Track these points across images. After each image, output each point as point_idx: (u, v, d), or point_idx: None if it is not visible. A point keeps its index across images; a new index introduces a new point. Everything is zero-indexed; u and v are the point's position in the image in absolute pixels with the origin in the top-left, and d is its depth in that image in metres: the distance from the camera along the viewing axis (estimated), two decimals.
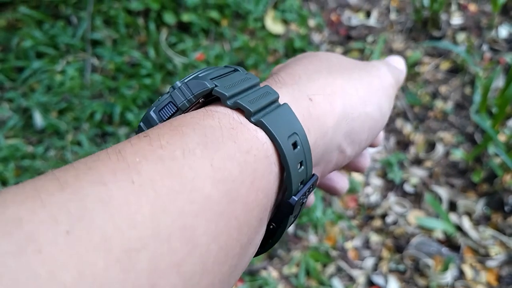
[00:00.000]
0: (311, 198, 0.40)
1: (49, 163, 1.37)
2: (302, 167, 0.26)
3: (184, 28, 1.62)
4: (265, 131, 0.25)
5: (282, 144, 0.25)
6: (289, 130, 0.26)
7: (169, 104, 0.27)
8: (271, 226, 0.27)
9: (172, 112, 0.26)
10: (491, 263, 1.08)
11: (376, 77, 0.34)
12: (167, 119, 0.26)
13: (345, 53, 1.54)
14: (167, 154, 0.21)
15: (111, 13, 1.60)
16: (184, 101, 0.26)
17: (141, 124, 0.27)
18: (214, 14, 1.61)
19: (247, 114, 0.25)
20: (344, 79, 0.32)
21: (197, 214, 0.19)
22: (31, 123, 1.45)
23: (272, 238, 0.28)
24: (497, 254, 1.09)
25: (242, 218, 0.22)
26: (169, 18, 1.59)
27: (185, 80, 0.27)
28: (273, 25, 1.61)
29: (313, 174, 0.28)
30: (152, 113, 0.27)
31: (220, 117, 0.24)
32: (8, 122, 1.45)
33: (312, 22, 1.62)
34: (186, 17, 1.58)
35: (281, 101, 0.27)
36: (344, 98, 0.31)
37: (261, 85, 0.29)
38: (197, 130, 0.23)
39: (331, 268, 1.13)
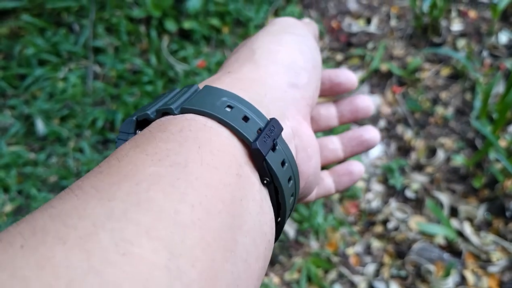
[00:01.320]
0: (312, 194, 0.40)
1: (51, 170, 1.38)
2: (249, 119, 0.26)
3: (185, 35, 1.63)
4: (191, 112, 0.25)
5: (211, 110, 0.25)
6: (215, 99, 0.26)
7: None
8: (265, 181, 0.26)
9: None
10: (492, 269, 1.08)
11: (299, 39, 0.36)
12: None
13: (346, 59, 1.55)
14: (102, 168, 0.22)
15: (113, 21, 1.61)
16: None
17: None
18: (215, 21, 1.62)
19: (171, 112, 0.26)
20: (247, 42, 0.35)
21: (147, 190, 0.19)
22: (33, 130, 1.45)
23: (280, 223, 0.28)
24: (498, 260, 1.09)
25: (206, 177, 0.21)
26: (171, 25, 1.60)
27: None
28: None
29: (271, 119, 0.27)
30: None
31: (149, 127, 0.25)
32: (10, 129, 1.45)
33: None
34: (187, 25, 1.59)
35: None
36: (253, 51, 0.33)
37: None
38: (128, 143, 0.24)
39: (332, 274, 1.13)
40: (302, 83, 0.32)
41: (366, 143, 0.41)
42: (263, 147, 0.25)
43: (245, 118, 0.26)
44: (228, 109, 0.25)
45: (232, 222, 0.21)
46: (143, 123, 0.27)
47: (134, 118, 0.27)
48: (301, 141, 0.31)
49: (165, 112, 0.26)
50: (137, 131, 0.27)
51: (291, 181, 0.27)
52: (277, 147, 0.26)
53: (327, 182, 0.41)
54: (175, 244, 0.18)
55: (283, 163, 0.26)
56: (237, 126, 0.25)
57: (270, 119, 0.27)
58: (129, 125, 0.27)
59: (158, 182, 0.19)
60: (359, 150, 0.41)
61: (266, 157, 0.25)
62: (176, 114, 0.25)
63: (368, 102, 0.42)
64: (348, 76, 0.41)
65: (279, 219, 0.28)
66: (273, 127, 0.26)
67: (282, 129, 0.27)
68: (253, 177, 0.25)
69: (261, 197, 0.24)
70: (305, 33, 0.37)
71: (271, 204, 0.26)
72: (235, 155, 0.24)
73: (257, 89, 0.29)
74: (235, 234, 0.21)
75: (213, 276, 0.19)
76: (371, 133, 0.41)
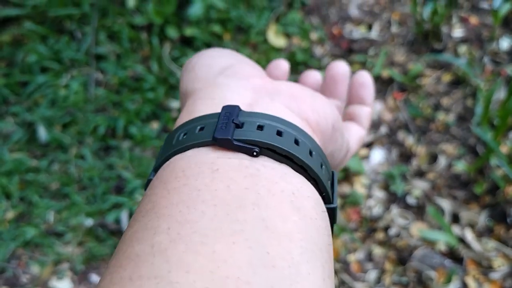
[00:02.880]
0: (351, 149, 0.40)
1: (53, 177, 1.38)
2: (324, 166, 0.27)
3: (187, 42, 1.64)
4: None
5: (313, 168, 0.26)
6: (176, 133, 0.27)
7: None
8: None
9: None
10: (494, 275, 1.07)
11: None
12: None
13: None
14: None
15: (115, 28, 1.61)
16: None
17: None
18: (216, 28, 1.62)
19: (161, 164, 0.27)
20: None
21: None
22: (35, 137, 1.46)
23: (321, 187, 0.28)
24: (500, 266, 1.08)
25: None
26: (172, 32, 1.60)
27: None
28: (275, 39, 1.62)
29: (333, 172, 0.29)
30: None
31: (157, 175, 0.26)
32: (12, 136, 1.46)
33: (314, 36, 1.63)
34: (189, 31, 1.60)
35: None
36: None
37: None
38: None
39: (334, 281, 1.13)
40: (224, 66, 0.33)
41: (339, 80, 0.42)
42: (222, 134, 0.25)
43: (201, 129, 0.26)
44: (184, 137, 0.27)
45: (225, 209, 0.21)
46: None
47: (151, 178, 0.27)
48: (314, 122, 0.30)
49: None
50: None
51: (284, 134, 0.26)
52: (245, 122, 0.26)
53: (354, 129, 0.41)
54: None
55: (261, 127, 0.26)
56: (193, 141, 0.26)
57: (222, 108, 0.27)
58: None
59: (134, 237, 0.22)
60: (339, 91, 0.42)
61: (233, 137, 0.25)
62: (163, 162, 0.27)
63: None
64: (341, 68, 0.42)
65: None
66: (227, 113, 0.26)
67: (237, 106, 0.27)
68: (235, 160, 0.25)
69: (256, 167, 0.24)
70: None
71: (276, 165, 0.25)
72: (202, 162, 0.25)
73: (206, 101, 0.30)
74: (236, 215, 0.21)
75: None
76: (338, 68, 0.42)
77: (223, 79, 0.31)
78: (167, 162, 0.26)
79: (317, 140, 0.29)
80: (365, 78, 0.41)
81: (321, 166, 0.27)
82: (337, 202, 0.27)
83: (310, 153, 0.26)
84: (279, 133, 0.26)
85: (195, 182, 0.23)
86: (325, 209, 0.25)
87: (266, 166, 0.24)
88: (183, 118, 0.29)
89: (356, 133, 0.40)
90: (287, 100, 0.29)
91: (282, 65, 0.42)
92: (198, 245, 0.19)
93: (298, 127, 0.27)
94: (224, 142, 0.25)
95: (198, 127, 0.26)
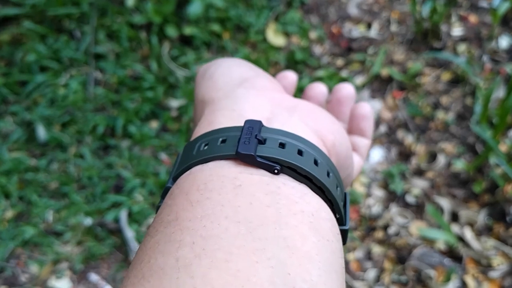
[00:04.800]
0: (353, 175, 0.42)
1: (52, 176, 1.38)
2: (338, 188, 0.27)
3: (186, 41, 1.64)
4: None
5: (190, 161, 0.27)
6: (193, 144, 0.28)
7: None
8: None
9: None
10: (493, 274, 1.07)
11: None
12: None
13: (346, 65, 1.55)
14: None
15: (114, 27, 1.61)
16: None
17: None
18: (216, 27, 1.62)
19: (177, 177, 0.27)
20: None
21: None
22: (35, 137, 1.46)
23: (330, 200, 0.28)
24: (499, 265, 1.08)
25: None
26: (171, 31, 1.60)
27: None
28: (275, 38, 1.62)
29: (245, 123, 0.28)
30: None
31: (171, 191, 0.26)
32: (11, 136, 1.46)
33: (313, 35, 1.63)
34: (188, 31, 1.60)
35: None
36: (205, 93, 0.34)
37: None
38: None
39: None
40: (247, 76, 0.34)
41: (344, 102, 0.42)
42: (245, 149, 0.25)
43: (223, 141, 0.27)
44: (205, 147, 0.27)
45: (247, 226, 0.22)
46: None
47: (169, 185, 0.27)
48: (330, 144, 0.30)
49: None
50: None
51: (304, 153, 0.27)
52: (268, 138, 0.26)
53: (356, 159, 0.41)
54: None
55: (283, 145, 0.26)
56: (215, 153, 0.26)
57: (244, 122, 0.27)
58: (165, 194, 0.28)
59: (157, 249, 0.22)
60: (342, 112, 0.42)
61: (257, 154, 0.25)
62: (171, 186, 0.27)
63: (367, 109, 0.42)
64: (346, 90, 0.42)
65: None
66: (250, 128, 0.27)
67: (260, 122, 0.27)
68: (257, 176, 0.25)
69: (277, 185, 0.24)
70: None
71: (296, 184, 0.25)
72: (225, 175, 0.25)
73: (227, 112, 0.30)
74: (257, 233, 0.21)
75: None
76: (344, 90, 0.42)
77: (242, 91, 0.31)
78: (188, 172, 0.26)
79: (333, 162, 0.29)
80: (367, 110, 0.41)
81: (337, 187, 0.28)
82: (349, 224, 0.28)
83: (328, 174, 0.27)
84: (300, 152, 0.26)
85: (218, 196, 0.23)
86: (339, 231, 0.26)
87: (286, 184, 0.25)
88: (203, 128, 0.29)
89: (357, 163, 0.41)
90: (305, 117, 0.30)
91: (290, 76, 0.42)
92: (222, 262, 0.19)
93: (317, 147, 0.27)
94: (247, 157, 0.25)
95: (220, 139, 0.26)
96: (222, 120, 0.29)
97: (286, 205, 0.23)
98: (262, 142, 0.26)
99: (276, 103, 0.30)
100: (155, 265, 0.20)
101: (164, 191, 0.27)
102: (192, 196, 0.23)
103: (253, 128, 0.26)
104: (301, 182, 0.25)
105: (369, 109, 0.42)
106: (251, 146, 0.25)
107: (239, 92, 0.31)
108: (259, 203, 0.23)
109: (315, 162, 0.26)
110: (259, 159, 0.25)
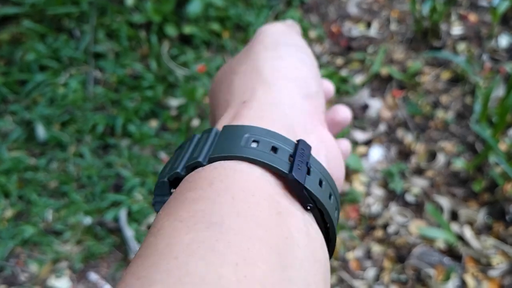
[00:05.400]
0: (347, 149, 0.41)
1: (52, 175, 1.38)
2: (278, 149, 0.26)
3: (185, 40, 1.64)
4: (219, 159, 0.25)
5: (238, 152, 0.25)
6: (239, 139, 0.26)
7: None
8: (309, 207, 0.26)
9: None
10: (493, 273, 1.07)
11: (296, 48, 0.36)
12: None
13: (346, 64, 1.55)
14: (141, 250, 0.21)
15: (114, 26, 1.61)
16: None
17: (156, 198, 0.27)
18: (215, 26, 1.62)
19: (199, 165, 0.25)
20: (241, 58, 0.35)
21: (186, 263, 0.19)
22: (34, 136, 1.46)
23: (331, 239, 0.28)
24: (499, 264, 1.08)
25: (244, 226, 0.21)
26: (171, 30, 1.60)
27: (157, 182, 0.27)
28: None
29: (298, 142, 0.28)
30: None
31: (180, 186, 0.25)
32: (11, 135, 1.46)
33: (312, 34, 1.63)
34: (187, 30, 1.60)
35: (221, 126, 0.28)
36: (258, 72, 0.32)
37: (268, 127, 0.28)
38: (162, 212, 0.24)
39: (332, 279, 1.13)
40: (313, 91, 0.33)
41: (339, 124, 0.41)
42: (299, 176, 0.25)
43: (274, 149, 0.26)
44: (254, 145, 0.25)
45: (282, 263, 0.21)
46: (175, 182, 0.27)
47: (166, 180, 0.27)
48: (327, 149, 0.31)
49: (195, 166, 0.26)
50: (172, 190, 0.27)
51: (332, 197, 0.27)
52: (311, 169, 0.26)
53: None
54: None
55: (320, 183, 0.26)
56: (267, 161, 0.25)
57: (297, 141, 0.27)
58: (162, 188, 0.27)
59: (196, 251, 0.19)
60: (333, 132, 0.41)
61: (305, 185, 0.25)
62: (202, 165, 0.25)
63: (346, 114, 0.41)
64: (345, 116, 0.41)
65: (329, 235, 0.28)
66: (302, 150, 0.26)
67: (311, 148, 0.27)
68: (293, 208, 0.24)
69: (305, 224, 0.24)
70: (297, 39, 0.37)
71: (317, 226, 0.26)
72: (271, 194, 0.24)
73: (276, 112, 0.29)
74: (288, 272, 0.20)
75: None
76: (342, 114, 0.40)
77: (302, 102, 0.31)
78: (232, 164, 0.25)
79: None
80: (347, 116, 0.41)
81: (336, 211, 0.28)
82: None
83: (336, 210, 0.27)
84: (330, 196, 0.27)
85: (261, 219, 0.22)
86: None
87: (313, 225, 0.25)
88: (254, 111, 0.29)
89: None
90: (328, 162, 0.30)
91: (342, 113, 0.41)
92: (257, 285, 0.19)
93: (337, 189, 0.28)
94: (295, 184, 0.25)
95: (271, 145, 0.26)
96: (272, 117, 0.28)
97: (313, 250, 0.23)
98: (308, 171, 0.26)
99: (318, 141, 0.30)
100: (195, 274, 0.18)
101: (193, 165, 0.26)
102: (238, 202, 0.22)
103: (304, 152, 0.26)
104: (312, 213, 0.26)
105: (349, 114, 0.41)
106: (303, 174, 0.25)
107: (299, 102, 0.31)
108: (293, 242, 0.22)
109: (330, 196, 0.27)
110: (304, 192, 0.25)
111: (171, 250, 0.19)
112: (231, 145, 0.25)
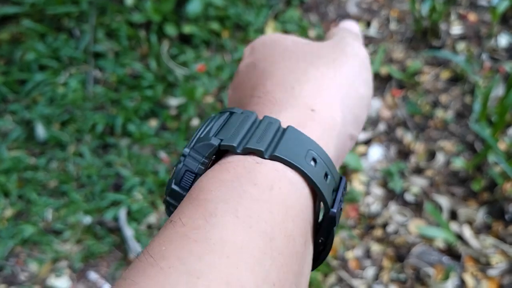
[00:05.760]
0: None
1: (51, 175, 1.38)
2: (328, 177, 0.27)
3: (185, 40, 1.64)
4: (281, 162, 0.25)
5: (302, 166, 0.25)
6: (303, 150, 0.26)
7: (186, 173, 0.26)
8: (320, 240, 0.27)
9: (191, 179, 0.26)
10: (492, 272, 1.07)
11: (354, 55, 0.35)
12: (189, 187, 0.26)
13: None
14: (188, 228, 0.21)
15: (113, 26, 1.61)
16: (199, 165, 0.26)
17: (168, 198, 0.27)
18: (215, 25, 1.62)
19: (259, 154, 0.25)
20: (329, 67, 0.32)
21: (237, 266, 0.19)
22: (34, 135, 1.46)
23: (324, 250, 0.28)
24: (498, 263, 1.08)
25: (287, 250, 0.22)
26: (171, 30, 1.60)
27: (192, 145, 0.27)
28: None
29: (341, 177, 0.29)
30: (174, 186, 0.26)
31: (235, 166, 0.25)
32: (11, 134, 1.46)
33: (312, 33, 1.63)
34: (187, 29, 1.60)
35: (284, 123, 0.28)
36: (339, 91, 0.31)
37: (258, 111, 0.29)
38: (215, 191, 0.23)
39: (332, 278, 1.13)
40: (357, 135, 0.33)
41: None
42: (338, 215, 0.26)
43: (325, 176, 0.27)
44: (312, 163, 0.26)
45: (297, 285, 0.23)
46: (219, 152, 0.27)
47: (216, 144, 0.26)
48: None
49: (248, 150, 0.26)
50: (213, 156, 0.27)
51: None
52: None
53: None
54: None
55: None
56: (321, 187, 0.26)
57: (340, 177, 0.29)
58: (206, 149, 0.26)
59: (247, 259, 0.20)
60: None
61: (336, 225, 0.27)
62: (263, 157, 0.25)
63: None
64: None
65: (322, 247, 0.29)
66: (344, 190, 0.28)
67: (346, 186, 0.29)
68: (310, 236, 0.26)
69: (310, 258, 0.26)
70: (364, 54, 0.37)
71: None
72: (309, 222, 0.25)
73: (331, 135, 0.30)
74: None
75: None
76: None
77: (347, 145, 0.32)
78: (291, 175, 0.25)
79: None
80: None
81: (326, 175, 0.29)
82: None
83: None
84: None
85: (295, 243, 0.23)
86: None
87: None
88: (318, 126, 0.29)
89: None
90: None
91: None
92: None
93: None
94: (330, 222, 0.26)
95: (324, 171, 0.26)
96: (328, 140, 0.29)
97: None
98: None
99: (337, 155, 0.31)
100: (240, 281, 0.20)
101: (248, 151, 0.26)
102: (287, 221, 0.23)
103: (341, 186, 0.28)
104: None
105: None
106: (339, 213, 0.27)
107: (348, 141, 0.32)
108: (299, 248, 0.24)
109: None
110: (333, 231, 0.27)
111: (223, 247, 0.20)
112: (295, 152, 0.26)
